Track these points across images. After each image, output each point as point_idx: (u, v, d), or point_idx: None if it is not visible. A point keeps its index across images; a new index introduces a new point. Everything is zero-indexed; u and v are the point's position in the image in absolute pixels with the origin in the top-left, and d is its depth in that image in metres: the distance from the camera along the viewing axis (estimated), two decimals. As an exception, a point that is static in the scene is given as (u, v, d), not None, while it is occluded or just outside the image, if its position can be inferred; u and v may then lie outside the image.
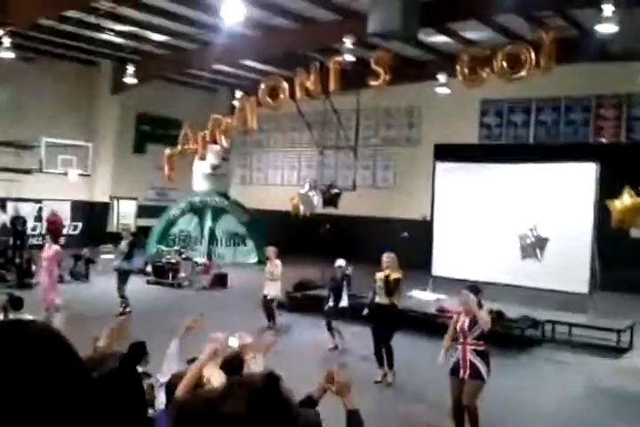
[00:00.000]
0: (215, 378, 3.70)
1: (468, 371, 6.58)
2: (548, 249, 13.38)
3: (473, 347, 6.61)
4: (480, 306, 6.76)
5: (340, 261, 10.93)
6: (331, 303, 10.81)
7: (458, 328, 6.73)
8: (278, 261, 12.23)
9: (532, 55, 10.91)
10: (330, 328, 10.75)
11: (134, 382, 3.72)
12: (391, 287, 9.08)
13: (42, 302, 11.20)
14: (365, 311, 9.82)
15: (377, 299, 9.28)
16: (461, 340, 6.69)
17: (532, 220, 13.58)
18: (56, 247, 12.29)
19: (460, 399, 6.67)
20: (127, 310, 12.52)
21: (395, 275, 9.16)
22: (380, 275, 9.29)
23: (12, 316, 8.05)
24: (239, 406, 1.54)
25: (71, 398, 1.27)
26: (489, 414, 6.88)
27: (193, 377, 3.57)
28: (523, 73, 11.07)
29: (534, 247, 13.57)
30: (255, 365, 3.65)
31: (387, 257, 9.32)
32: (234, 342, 3.68)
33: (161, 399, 4.17)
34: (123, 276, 13.05)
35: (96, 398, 1.38)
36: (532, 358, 10.58)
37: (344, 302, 10.70)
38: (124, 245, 13.28)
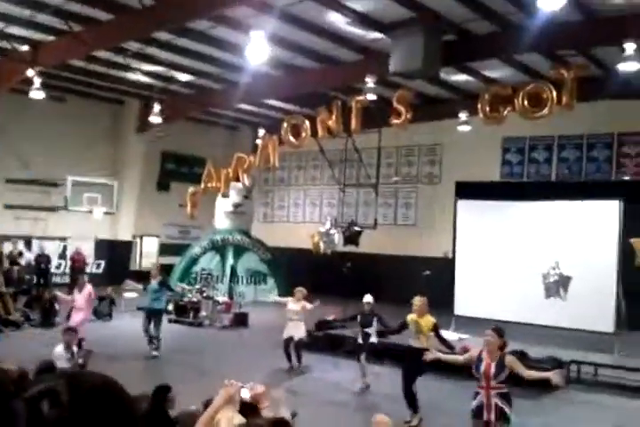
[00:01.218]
0: (233, 421, 3.69)
1: (493, 414, 6.46)
2: (572, 288, 13.21)
3: (497, 391, 6.49)
4: (504, 348, 6.68)
5: (368, 297, 10.81)
6: (360, 340, 10.64)
7: (482, 372, 6.54)
8: (306, 303, 11.93)
9: (554, 93, 10.89)
10: (359, 360, 10.49)
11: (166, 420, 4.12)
12: (425, 332, 8.91)
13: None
14: None
15: (410, 342, 9.09)
16: (484, 384, 6.53)
17: (555, 258, 13.45)
18: (89, 287, 12.05)
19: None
20: (155, 353, 12.11)
21: (428, 319, 9.01)
22: (411, 317, 9.10)
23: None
24: None
25: None
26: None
27: (208, 420, 3.57)
28: (545, 111, 11.03)
29: (558, 286, 13.40)
30: (271, 413, 3.62)
31: (418, 301, 9.13)
32: (245, 394, 3.65)
33: None
34: (155, 316, 12.37)
35: None
36: (557, 400, 10.26)
37: (373, 339, 10.57)
38: (154, 284, 12.64)
